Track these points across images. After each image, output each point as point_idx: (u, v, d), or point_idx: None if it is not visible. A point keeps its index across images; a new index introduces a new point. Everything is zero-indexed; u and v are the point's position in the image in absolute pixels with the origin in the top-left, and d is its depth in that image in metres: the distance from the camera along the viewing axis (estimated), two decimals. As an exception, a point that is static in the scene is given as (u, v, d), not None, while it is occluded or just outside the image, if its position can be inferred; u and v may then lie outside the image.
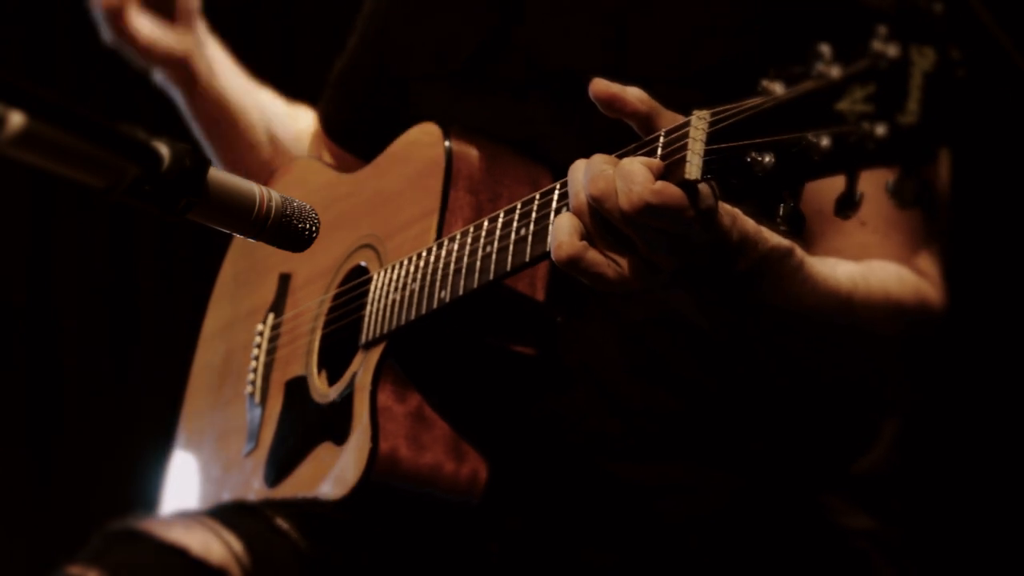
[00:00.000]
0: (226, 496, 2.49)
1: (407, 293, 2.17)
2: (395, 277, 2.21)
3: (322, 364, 2.37)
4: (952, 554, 3.19)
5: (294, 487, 2.33)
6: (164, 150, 1.50)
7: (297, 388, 2.40)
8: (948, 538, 3.19)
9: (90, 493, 4.29)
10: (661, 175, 1.72)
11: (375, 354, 2.20)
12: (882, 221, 2.15)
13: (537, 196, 1.95)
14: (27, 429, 4.40)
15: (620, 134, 1.81)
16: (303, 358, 2.41)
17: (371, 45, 2.56)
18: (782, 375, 2.18)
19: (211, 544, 2.26)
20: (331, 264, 2.42)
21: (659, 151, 1.74)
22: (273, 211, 1.62)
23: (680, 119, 1.75)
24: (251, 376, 2.55)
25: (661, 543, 2.21)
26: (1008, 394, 3.24)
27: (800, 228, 1.62)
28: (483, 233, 2.04)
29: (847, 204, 1.54)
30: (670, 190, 1.70)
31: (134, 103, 4.31)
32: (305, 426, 2.35)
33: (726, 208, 1.79)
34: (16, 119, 1.37)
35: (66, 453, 4.38)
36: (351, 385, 2.24)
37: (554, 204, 1.90)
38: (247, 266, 2.71)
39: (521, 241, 1.96)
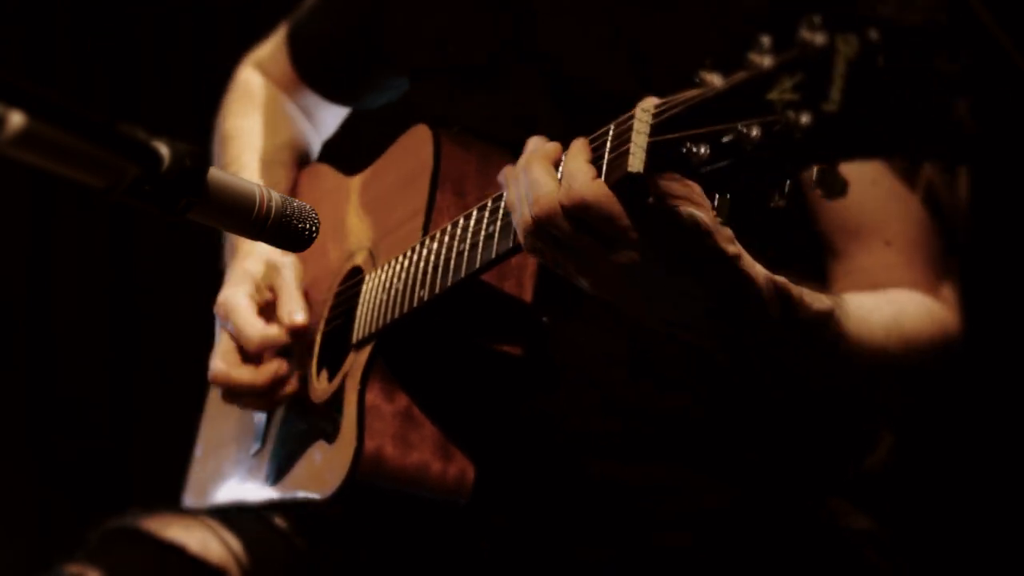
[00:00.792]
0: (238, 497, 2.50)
1: (392, 293, 2.18)
2: (384, 278, 2.22)
3: (322, 364, 2.37)
4: (952, 554, 3.19)
5: (290, 486, 2.34)
6: (164, 150, 1.50)
7: (299, 389, 2.41)
8: (948, 538, 3.19)
9: (89, 493, 4.29)
10: (607, 171, 1.71)
11: (364, 354, 2.22)
12: (906, 243, 2.13)
13: (504, 192, 1.95)
14: (27, 429, 4.40)
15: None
16: (305, 359, 2.42)
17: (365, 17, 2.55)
18: (777, 387, 2.17)
19: (209, 543, 2.27)
20: (335, 266, 2.43)
21: (608, 143, 1.73)
22: (273, 211, 1.62)
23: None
24: None
25: (653, 541, 2.21)
26: (1008, 394, 3.24)
27: (734, 218, 1.61)
28: (459, 231, 2.05)
29: (792, 191, 1.54)
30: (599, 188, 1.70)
31: (134, 103, 4.32)
32: (302, 426, 2.36)
33: (746, 257, 1.77)
34: (16, 119, 1.36)
35: (66, 453, 4.38)
36: (342, 384, 2.25)
37: None
38: None
39: (489, 238, 1.96)
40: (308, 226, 1.65)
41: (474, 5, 2.36)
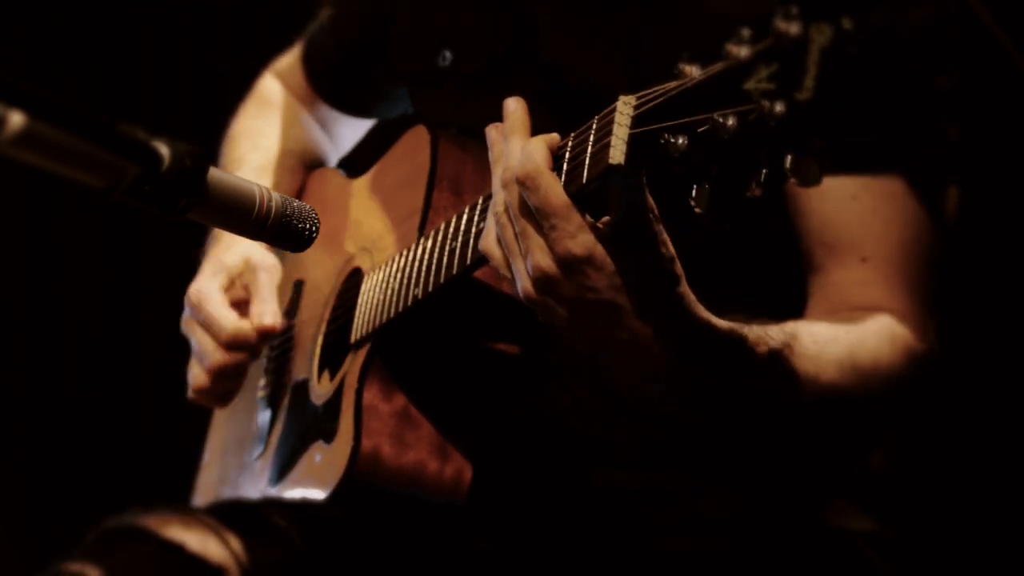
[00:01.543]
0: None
1: (389, 292, 2.18)
2: (381, 278, 2.23)
3: (324, 365, 2.38)
4: (954, 555, 3.19)
5: (290, 486, 2.34)
6: (164, 150, 1.50)
7: (301, 390, 2.42)
8: (950, 539, 3.19)
9: (89, 492, 4.29)
10: (590, 163, 1.72)
11: (362, 354, 2.22)
12: (883, 260, 2.11)
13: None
14: (27, 429, 4.40)
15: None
16: (308, 361, 2.43)
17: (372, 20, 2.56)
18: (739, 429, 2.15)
19: (209, 542, 2.27)
20: (338, 268, 2.44)
21: (592, 136, 1.74)
22: (273, 211, 1.62)
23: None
24: (262, 381, 2.57)
25: (653, 546, 2.21)
26: (1008, 395, 3.24)
27: (711, 209, 1.61)
28: (451, 230, 2.06)
29: (777, 179, 1.54)
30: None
31: (134, 103, 4.32)
32: (303, 426, 2.37)
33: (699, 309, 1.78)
34: (16, 119, 1.37)
35: (66, 453, 4.38)
36: (341, 385, 2.25)
37: None
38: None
39: (477, 236, 1.97)
40: (308, 226, 1.65)
41: (475, 11, 2.36)
